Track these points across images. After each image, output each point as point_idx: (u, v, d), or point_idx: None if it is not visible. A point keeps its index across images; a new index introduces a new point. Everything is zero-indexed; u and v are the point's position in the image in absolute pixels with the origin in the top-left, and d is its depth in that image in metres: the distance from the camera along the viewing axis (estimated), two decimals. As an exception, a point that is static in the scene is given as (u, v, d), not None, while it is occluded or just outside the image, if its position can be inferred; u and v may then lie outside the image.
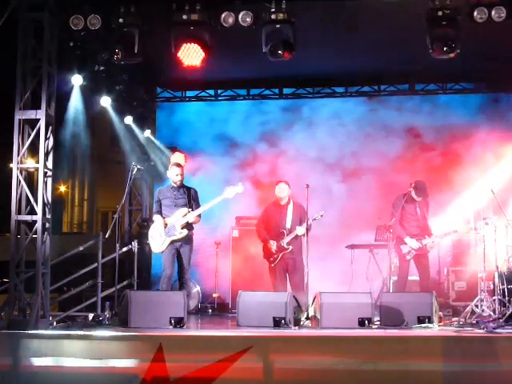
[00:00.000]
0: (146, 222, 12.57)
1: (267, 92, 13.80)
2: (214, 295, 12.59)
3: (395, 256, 10.63)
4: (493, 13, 8.88)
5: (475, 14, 8.91)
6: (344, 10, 9.74)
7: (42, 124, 9.03)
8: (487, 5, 8.88)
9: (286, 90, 13.88)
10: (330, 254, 12.66)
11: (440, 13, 9.00)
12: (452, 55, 9.16)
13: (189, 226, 10.15)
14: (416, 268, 10.61)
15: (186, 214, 10.08)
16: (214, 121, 14.13)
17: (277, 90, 13.81)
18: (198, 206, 10.24)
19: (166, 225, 10.14)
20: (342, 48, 11.22)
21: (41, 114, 9.05)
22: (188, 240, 10.17)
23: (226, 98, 14.00)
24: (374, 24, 10.02)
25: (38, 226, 8.91)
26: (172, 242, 10.10)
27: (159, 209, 10.34)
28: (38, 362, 8.02)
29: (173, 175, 10.33)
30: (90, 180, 24.52)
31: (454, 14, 9.00)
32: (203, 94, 13.96)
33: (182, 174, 10.33)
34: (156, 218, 10.28)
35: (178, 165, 10.51)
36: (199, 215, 10.20)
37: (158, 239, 10.15)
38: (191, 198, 10.25)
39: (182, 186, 10.35)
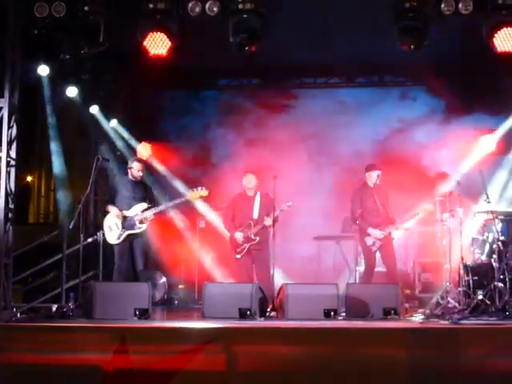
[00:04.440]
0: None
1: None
2: (180, 286, 12.52)
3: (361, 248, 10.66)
4: (460, 5, 8.92)
5: (442, 6, 8.95)
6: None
7: (5, 112, 8.92)
8: (455, -3, 8.92)
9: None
10: (297, 245, 12.61)
11: (407, 4, 9.00)
12: (419, 48, 9.19)
13: (145, 221, 10.18)
14: (382, 259, 10.58)
15: (145, 210, 10.15)
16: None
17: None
18: (155, 202, 10.37)
19: (124, 217, 10.14)
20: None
21: (4, 103, 8.93)
22: (143, 232, 10.22)
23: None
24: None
25: (0, 215, 8.80)
26: (129, 236, 10.12)
27: (114, 198, 10.34)
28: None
29: (134, 170, 10.37)
30: (57, 170, 24.26)
31: (421, 5, 9.01)
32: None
33: (142, 170, 10.44)
34: (112, 208, 10.26)
35: (140, 160, 10.71)
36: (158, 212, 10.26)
37: (116, 231, 10.16)
38: (149, 195, 10.39)
39: (141, 181, 10.45)
